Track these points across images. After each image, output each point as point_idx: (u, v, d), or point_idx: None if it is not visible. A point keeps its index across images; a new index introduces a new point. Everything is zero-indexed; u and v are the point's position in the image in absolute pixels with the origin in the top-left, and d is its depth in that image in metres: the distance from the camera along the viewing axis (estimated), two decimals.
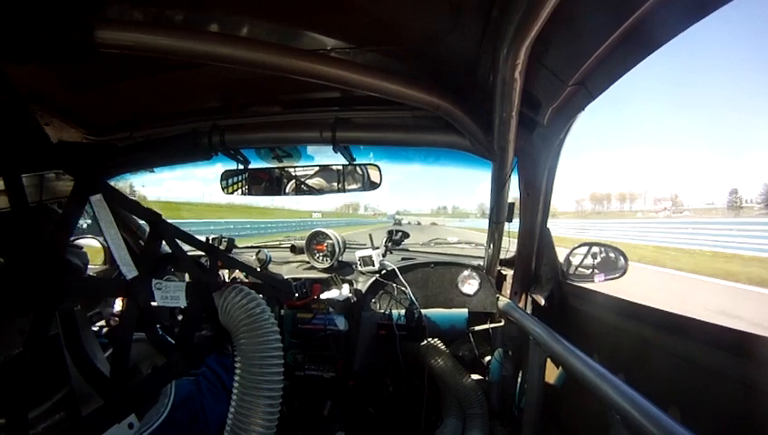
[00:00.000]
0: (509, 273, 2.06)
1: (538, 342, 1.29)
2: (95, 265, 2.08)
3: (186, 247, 1.09)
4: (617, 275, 1.80)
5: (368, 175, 1.86)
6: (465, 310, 2.11)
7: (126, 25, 0.92)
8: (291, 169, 1.93)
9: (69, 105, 1.47)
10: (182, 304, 1.01)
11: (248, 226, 19.00)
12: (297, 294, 2.04)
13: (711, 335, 0.91)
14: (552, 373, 1.50)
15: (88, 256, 1.22)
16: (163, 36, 0.92)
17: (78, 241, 1.91)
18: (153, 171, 1.88)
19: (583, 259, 1.85)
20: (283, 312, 2.08)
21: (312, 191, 1.92)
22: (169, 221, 0.99)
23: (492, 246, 1.95)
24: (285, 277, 2.20)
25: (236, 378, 1.05)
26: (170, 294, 1.03)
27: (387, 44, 1.14)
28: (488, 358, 2.17)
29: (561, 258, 1.84)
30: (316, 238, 2.32)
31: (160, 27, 0.94)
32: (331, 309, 2.06)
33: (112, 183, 1.85)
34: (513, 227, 1.81)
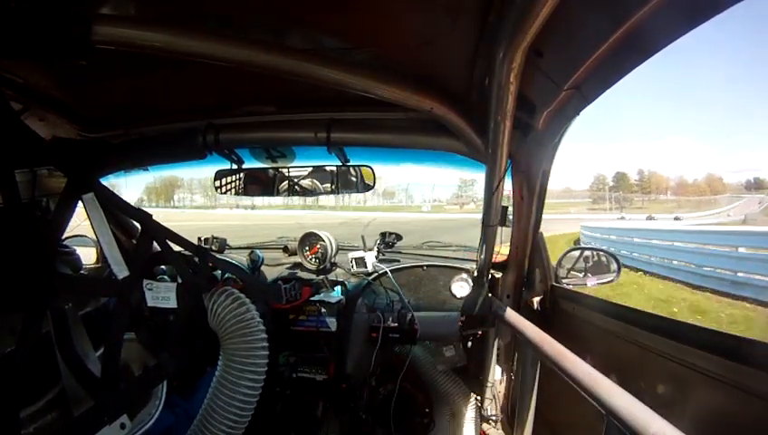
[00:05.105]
0: (501, 276, 2.07)
1: (530, 344, 1.29)
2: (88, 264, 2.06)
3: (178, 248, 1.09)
4: (609, 278, 1.82)
5: (361, 176, 1.86)
6: (458, 313, 2.11)
7: (123, 21, 0.92)
8: (285, 170, 1.92)
9: (64, 101, 1.45)
10: (172, 304, 1.01)
11: None
12: (287, 297, 2.02)
13: (704, 339, 0.92)
14: (544, 376, 1.50)
15: (81, 260, 1.20)
16: (159, 33, 0.92)
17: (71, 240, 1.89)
18: (147, 170, 1.86)
19: (575, 263, 1.86)
20: (273, 313, 2.06)
21: (306, 192, 1.92)
22: None
23: (484, 249, 1.96)
24: (277, 278, 2.18)
25: (216, 375, 1.06)
26: (161, 294, 1.02)
27: (383, 46, 1.14)
28: (480, 360, 2.18)
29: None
30: (309, 240, 2.32)
31: (157, 24, 0.94)
32: (323, 310, 2.05)
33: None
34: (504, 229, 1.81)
